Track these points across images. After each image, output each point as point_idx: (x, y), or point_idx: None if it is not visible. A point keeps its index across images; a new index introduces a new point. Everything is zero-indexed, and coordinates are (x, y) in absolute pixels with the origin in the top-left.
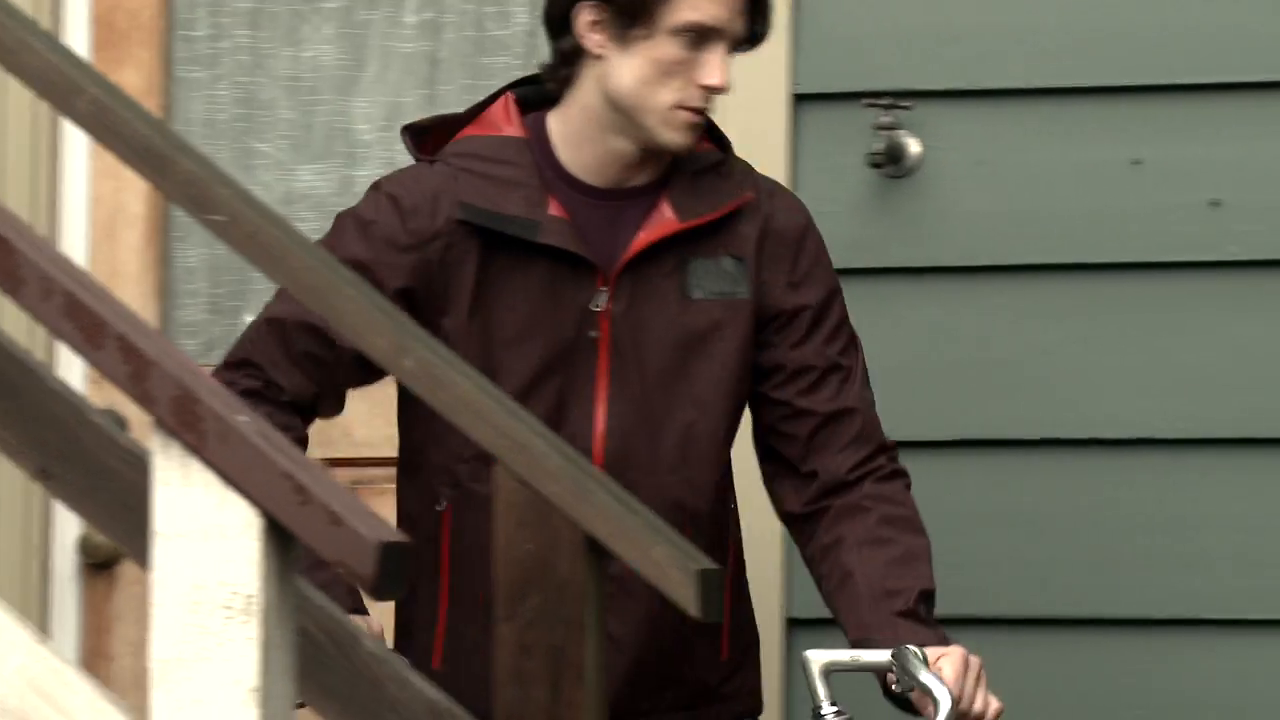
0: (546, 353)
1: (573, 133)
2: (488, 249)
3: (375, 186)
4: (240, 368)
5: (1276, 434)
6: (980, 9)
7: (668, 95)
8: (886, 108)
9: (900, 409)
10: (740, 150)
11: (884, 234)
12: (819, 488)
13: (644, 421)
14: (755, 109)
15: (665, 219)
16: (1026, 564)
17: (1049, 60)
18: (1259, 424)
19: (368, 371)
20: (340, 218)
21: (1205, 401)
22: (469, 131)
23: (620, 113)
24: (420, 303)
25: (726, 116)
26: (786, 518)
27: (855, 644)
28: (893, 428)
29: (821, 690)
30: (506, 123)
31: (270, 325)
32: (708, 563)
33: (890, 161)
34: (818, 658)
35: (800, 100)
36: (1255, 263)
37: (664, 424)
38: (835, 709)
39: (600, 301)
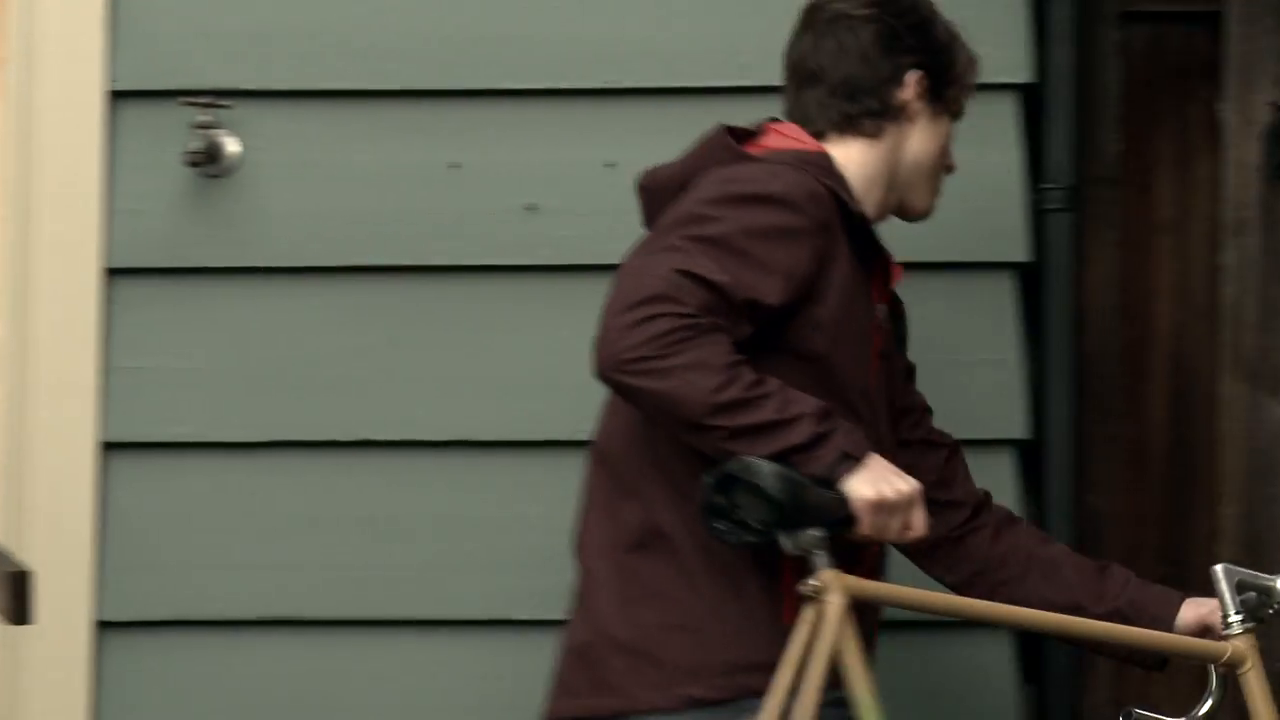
0: (862, 355)
1: (869, 174)
2: (848, 247)
3: (769, 176)
4: (695, 317)
5: (578, 436)
6: (300, 11)
7: (943, 168)
8: (205, 106)
9: (211, 411)
10: (54, 148)
11: (201, 234)
12: (970, 511)
13: (882, 440)
14: (69, 106)
15: (893, 261)
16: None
17: (369, 62)
18: (563, 426)
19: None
20: (751, 201)
21: (516, 404)
22: (774, 145)
23: (913, 172)
24: (806, 287)
25: (39, 115)
26: (929, 548)
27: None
28: (202, 430)
29: (1232, 598)
30: (801, 144)
31: (686, 278)
32: (21, 566)
33: (208, 160)
34: (1230, 571)
35: (117, 97)
36: (568, 267)
37: (889, 447)
38: (1241, 617)
39: (883, 317)
